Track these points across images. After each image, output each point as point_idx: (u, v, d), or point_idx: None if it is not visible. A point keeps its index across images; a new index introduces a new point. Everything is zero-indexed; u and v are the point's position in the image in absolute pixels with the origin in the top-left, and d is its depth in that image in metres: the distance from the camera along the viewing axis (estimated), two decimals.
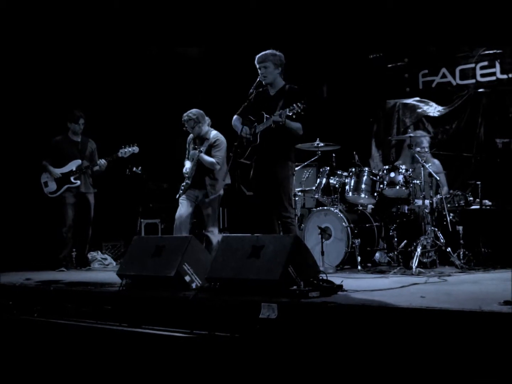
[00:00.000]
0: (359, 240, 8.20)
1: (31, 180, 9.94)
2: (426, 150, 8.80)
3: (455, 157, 9.26)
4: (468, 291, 5.58)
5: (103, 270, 9.79)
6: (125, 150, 9.67)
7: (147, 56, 11.95)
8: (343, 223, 8.35)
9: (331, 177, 8.86)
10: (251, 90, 7.55)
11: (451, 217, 8.09)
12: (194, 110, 8.71)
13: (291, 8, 10.47)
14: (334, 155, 9.13)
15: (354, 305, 4.77)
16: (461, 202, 8.39)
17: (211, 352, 4.97)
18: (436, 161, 8.95)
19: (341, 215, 8.42)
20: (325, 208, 8.75)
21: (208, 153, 8.62)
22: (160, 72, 12.02)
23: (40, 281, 7.46)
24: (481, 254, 7.92)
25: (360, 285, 6.06)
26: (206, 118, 8.81)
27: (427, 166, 8.14)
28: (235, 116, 7.69)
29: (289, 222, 7.33)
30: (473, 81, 10.29)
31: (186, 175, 8.72)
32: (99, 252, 10.64)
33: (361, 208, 8.97)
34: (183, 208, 8.62)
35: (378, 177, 8.47)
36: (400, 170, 8.28)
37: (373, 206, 9.05)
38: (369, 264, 8.58)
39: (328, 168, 8.95)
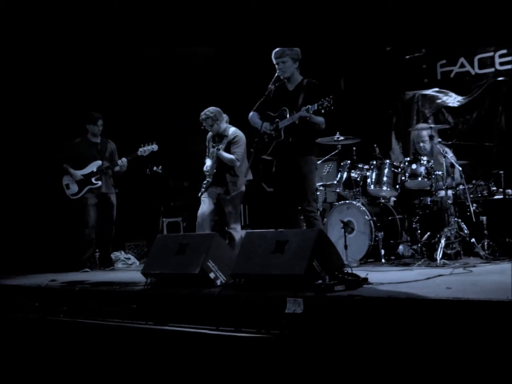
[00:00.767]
0: (382, 233, 8.17)
1: (54, 183, 9.96)
2: (426, 140, 8.77)
3: (477, 147, 9.19)
4: (495, 281, 5.54)
5: (127, 269, 9.82)
6: (144, 149, 9.68)
7: (164, 55, 11.95)
8: (366, 217, 8.32)
9: (352, 171, 8.83)
10: (270, 86, 7.55)
11: (474, 207, 8.04)
12: (211, 108, 8.71)
13: (307, 1, 10.46)
14: (354, 148, 9.08)
15: (380, 298, 4.76)
16: (484, 192, 8.33)
17: (237, 349, 4.97)
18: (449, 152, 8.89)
19: (364, 208, 8.39)
20: (347, 202, 8.72)
21: (228, 150, 8.62)
22: (178, 71, 12.03)
23: (65, 282, 7.51)
24: (506, 244, 7.85)
25: (385, 278, 6.04)
26: (224, 115, 8.80)
27: (449, 156, 8.10)
28: (251, 112, 7.70)
29: (312, 217, 7.34)
30: (492, 69, 10.19)
31: (207, 173, 8.73)
32: (122, 252, 10.66)
33: (383, 201, 8.93)
34: (205, 205, 8.62)
35: (399, 169, 8.42)
36: (422, 162, 8.23)
37: (395, 199, 8.99)
38: (393, 257, 8.52)
39: (348, 161, 8.92)
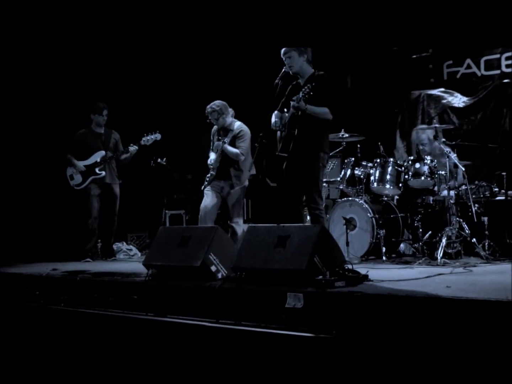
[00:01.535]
0: (384, 231, 8.19)
1: (57, 173, 9.99)
2: (426, 143, 8.80)
3: (480, 148, 9.22)
4: (494, 281, 5.55)
5: (129, 260, 9.83)
6: (147, 138, 9.71)
7: (169, 47, 11.94)
8: (368, 214, 8.35)
9: (356, 168, 8.87)
10: (276, 81, 7.53)
11: (476, 208, 8.07)
12: (217, 102, 8.73)
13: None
14: (359, 146, 9.12)
15: (380, 295, 4.77)
16: (486, 193, 8.37)
17: (236, 342, 4.99)
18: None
19: (366, 206, 8.41)
20: (350, 199, 8.75)
21: (232, 144, 8.64)
22: (184, 62, 12.03)
23: (67, 271, 7.49)
24: (506, 244, 7.88)
25: (385, 275, 6.05)
26: (230, 109, 8.82)
27: (452, 156, 8.13)
28: (274, 112, 7.64)
29: (317, 214, 7.33)
30: (498, 71, 10.23)
31: (211, 167, 8.75)
32: (124, 243, 10.68)
33: (386, 199, 8.95)
34: (208, 199, 8.64)
35: (403, 168, 8.46)
36: (425, 161, 8.27)
37: (398, 197, 9.02)
38: (394, 255, 8.56)
39: (353, 159, 8.95)
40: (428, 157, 8.35)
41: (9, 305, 6.87)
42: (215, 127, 8.93)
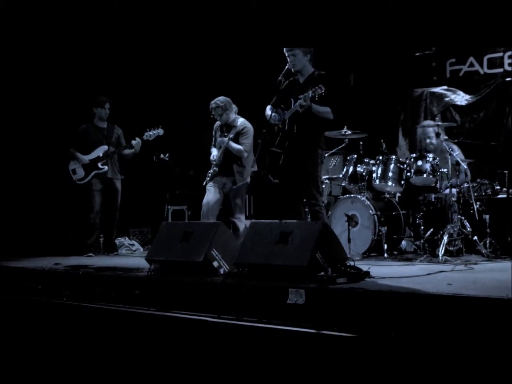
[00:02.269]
0: (385, 228, 8.21)
1: (60, 168, 9.99)
2: (432, 136, 8.81)
3: (483, 146, 9.24)
4: (495, 279, 5.57)
5: (131, 255, 9.84)
6: (150, 133, 9.71)
7: (172, 44, 11.94)
8: (370, 211, 8.36)
9: (358, 165, 8.87)
10: (279, 78, 7.58)
11: (477, 205, 8.08)
12: (221, 98, 8.75)
13: None
14: (361, 143, 9.12)
15: (381, 291, 4.79)
16: (488, 191, 8.38)
17: (238, 338, 5.02)
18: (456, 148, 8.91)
19: (368, 202, 8.43)
20: (352, 195, 8.77)
21: (236, 140, 8.66)
22: (186, 58, 12.03)
23: (69, 266, 7.52)
24: (508, 243, 7.89)
25: (387, 272, 6.07)
26: (233, 105, 8.84)
27: (454, 154, 8.14)
28: (268, 106, 7.72)
29: (317, 210, 7.39)
30: (501, 70, 10.24)
31: (213, 162, 8.76)
32: (127, 238, 10.70)
33: (388, 196, 8.96)
34: (211, 194, 8.66)
35: (405, 165, 8.47)
36: (427, 159, 8.28)
37: (400, 194, 9.04)
38: (396, 252, 8.57)
39: (355, 156, 8.96)
40: (430, 155, 8.36)
41: (11, 299, 6.89)
42: (217, 123, 8.95)
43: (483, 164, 9.52)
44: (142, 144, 9.76)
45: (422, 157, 8.33)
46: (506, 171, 8.23)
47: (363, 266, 5.85)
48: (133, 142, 9.69)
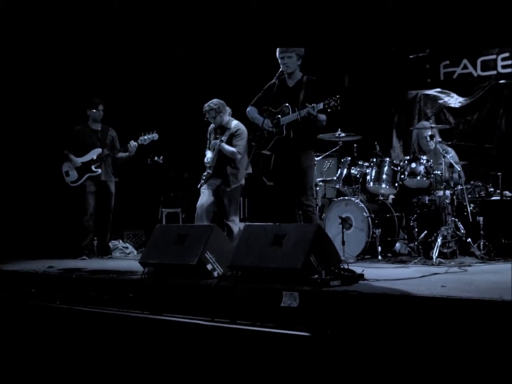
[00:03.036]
0: (379, 230, 8.20)
1: (53, 170, 9.97)
2: (429, 141, 8.82)
3: (476, 148, 9.24)
4: (489, 280, 5.59)
5: (125, 258, 9.81)
6: (144, 138, 9.69)
7: (167, 46, 11.95)
8: (364, 213, 8.36)
9: (352, 167, 8.88)
10: (273, 81, 7.59)
11: (471, 207, 8.09)
12: (215, 100, 8.75)
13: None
14: (355, 145, 9.13)
15: (375, 294, 4.80)
16: (482, 193, 8.40)
17: (231, 341, 5.01)
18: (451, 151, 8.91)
19: (362, 205, 8.43)
20: (346, 198, 8.78)
21: (229, 142, 8.67)
22: (182, 62, 12.03)
23: (62, 269, 7.50)
24: (501, 244, 7.91)
25: (381, 274, 6.07)
26: (227, 108, 8.84)
27: (448, 156, 8.15)
28: (250, 107, 7.76)
29: (310, 211, 7.40)
30: (494, 72, 10.24)
31: (208, 165, 8.76)
32: (120, 241, 10.66)
33: (382, 198, 8.96)
34: (205, 197, 8.66)
35: (399, 168, 8.49)
36: (421, 161, 8.29)
37: (394, 197, 9.04)
38: (390, 254, 8.57)
39: (349, 158, 8.97)
40: (424, 157, 8.38)
41: (4, 302, 6.87)
42: (212, 126, 8.96)
43: (477, 166, 9.53)
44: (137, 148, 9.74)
45: (416, 160, 8.34)
46: (499, 173, 8.23)
47: (357, 268, 5.86)
48: (129, 145, 9.66)
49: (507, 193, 8.40)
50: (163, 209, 11.19)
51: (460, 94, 10.52)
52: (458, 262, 7.35)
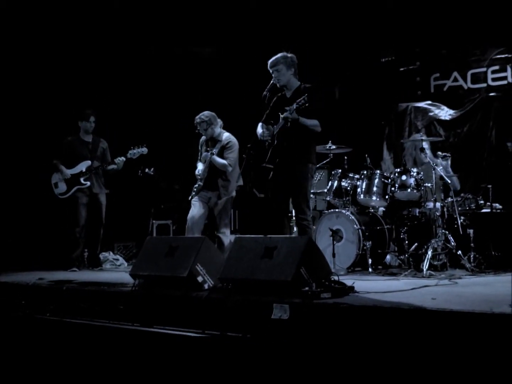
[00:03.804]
0: (370, 242, 8.21)
1: (44, 181, 9.95)
2: (426, 147, 8.83)
3: (467, 160, 9.28)
4: (479, 293, 5.60)
5: (115, 270, 9.79)
6: (134, 151, 9.67)
7: (159, 56, 11.97)
8: (355, 226, 8.37)
9: (343, 180, 8.90)
10: (264, 93, 7.55)
11: (461, 220, 8.12)
12: (206, 112, 8.74)
13: (303, 10, 10.51)
14: (346, 157, 9.16)
15: (366, 306, 4.80)
16: (472, 205, 8.43)
17: (223, 352, 5.00)
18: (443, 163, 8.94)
19: (353, 217, 8.44)
20: (337, 210, 8.78)
21: (220, 155, 8.66)
22: (172, 73, 12.05)
23: (53, 280, 7.47)
24: (492, 257, 7.94)
25: (371, 287, 6.08)
26: (218, 120, 8.84)
27: (438, 169, 8.18)
28: (259, 124, 7.67)
29: (305, 225, 7.35)
30: (485, 85, 10.30)
31: (199, 177, 8.76)
32: (111, 253, 10.63)
33: (372, 210, 8.99)
34: (196, 209, 8.65)
35: (389, 180, 8.50)
36: (412, 173, 8.31)
37: (384, 209, 9.07)
38: (380, 267, 8.59)
39: (339, 170, 8.99)
40: (415, 169, 8.40)
41: None
42: (203, 138, 8.95)
43: (467, 178, 9.56)
44: (125, 162, 9.71)
45: (407, 172, 8.37)
46: (489, 186, 8.26)
47: (348, 281, 5.87)
48: (116, 160, 9.64)
49: (497, 205, 8.44)
50: (153, 221, 11.18)
51: (450, 106, 10.57)
52: (449, 274, 7.38)
